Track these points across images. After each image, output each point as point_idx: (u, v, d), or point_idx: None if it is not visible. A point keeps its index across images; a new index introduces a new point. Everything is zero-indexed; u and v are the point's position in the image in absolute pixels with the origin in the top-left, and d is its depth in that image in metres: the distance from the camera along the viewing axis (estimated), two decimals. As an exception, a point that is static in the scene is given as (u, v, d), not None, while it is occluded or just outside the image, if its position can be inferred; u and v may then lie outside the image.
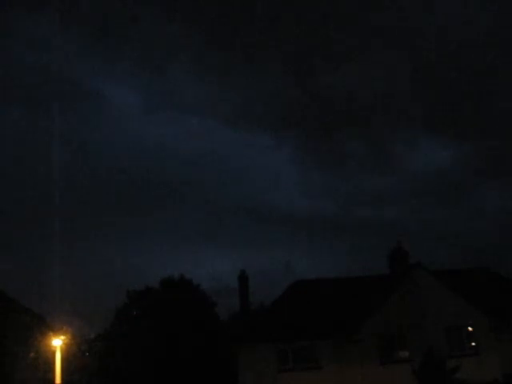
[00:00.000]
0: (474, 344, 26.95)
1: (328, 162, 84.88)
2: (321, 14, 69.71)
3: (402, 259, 29.95)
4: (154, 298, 37.53)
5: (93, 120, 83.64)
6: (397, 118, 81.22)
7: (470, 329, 27.20)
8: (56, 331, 28.97)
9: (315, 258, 61.75)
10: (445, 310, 26.60)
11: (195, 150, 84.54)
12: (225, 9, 71.99)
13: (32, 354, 29.26)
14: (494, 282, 30.83)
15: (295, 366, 26.27)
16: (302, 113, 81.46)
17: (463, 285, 28.16)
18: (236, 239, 71.12)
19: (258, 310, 34.91)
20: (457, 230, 68.58)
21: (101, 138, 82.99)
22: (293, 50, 76.71)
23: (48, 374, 29.09)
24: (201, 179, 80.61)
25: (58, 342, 27.95)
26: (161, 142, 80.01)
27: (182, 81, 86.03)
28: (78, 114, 79.72)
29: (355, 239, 70.70)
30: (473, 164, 77.43)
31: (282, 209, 76.62)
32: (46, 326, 30.03)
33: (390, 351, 26.54)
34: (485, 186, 77.65)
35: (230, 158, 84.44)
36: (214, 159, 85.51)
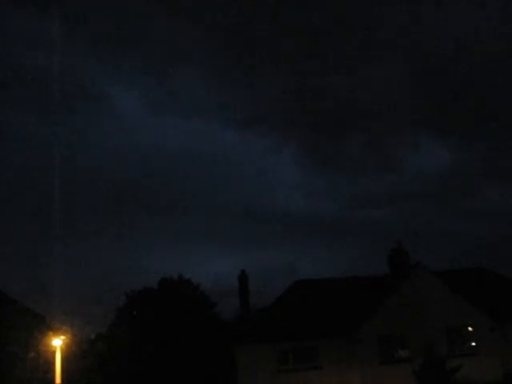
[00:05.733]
0: (474, 344, 26.98)
1: (329, 163, 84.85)
2: (321, 15, 69.75)
3: (402, 259, 29.99)
4: (154, 298, 37.51)
5: (94, 121, 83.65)
6: (397, 119, 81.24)
7: (470, 329, 27.22)
8: (56, 331, 28.92)
9: (315, 258, 61.70)
10: (445, 310, 26.62)
11: (196, 150, 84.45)
12: (225, 9, 72.03)
13: (32, 354, 29.23)
14: (493, 282, 30.85)
15: (295, 366, 26.29)
16: (303, 114, 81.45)
17: (463, 285, 28.18)
18: (236, 239, 71.06)
19: (258, 310, 34.85)
20: (457, 230, 68.53)
21: (102, 139, 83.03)
22: (294, 52, 76.71)
23: (48, 374, 29.04)
24: (201, 179, 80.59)
25: (58, 342, 27.90)
26: (161, 142, 79.88)
27: (183, 82, 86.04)
28: (79, 115, 79.71)
29: (355, 239, 70.64)
30: (473, 164, 77.46)
31: (283, 209, 76.55)
32: (46, 326, 29.98)
33: (390, 351, 26.57)
34: (485, 187, 77.64)
35: (230, 159, 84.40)
36: (215, 160, 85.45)
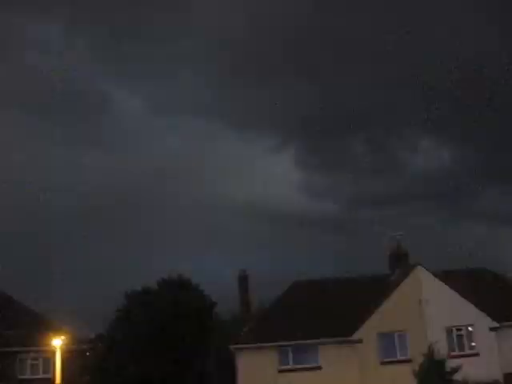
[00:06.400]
0: (473, 344, 26.94)
1: (329, 163, 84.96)
2: (322, 15, 69.80)
3: (402, 259, 29.97)
4: (153, 298, 37.46)
5: (95, 121, 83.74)
6: (397, 119, 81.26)
7: (470, 329, 27.19)
8: (56, 331, 28.94)
9: (315, 258, 61.68)
10: (445, 309, 26.59)
11: (197, 150, 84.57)
12: (225, 9, 72.06)
13: (32, 354, 29.24)
14: (493, 282, 30.81)
15: (295, 366, 26.29)
16: (304, 114, 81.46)
17: (463, 285, 28.15)
18: (236, 239, 71.09)
19: (257, 310, 34.85)
20: (457, 230, 68.58)
21: (102, 139, 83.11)
22: (294, 52, 76.76)
23: (48, 374, 29.08)
24: (202, 179, 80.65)
25: (57, 342, 27.93)
26: (161, 142, 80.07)
27: (183, 82, 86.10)
28: (80, 115, 79.78)
29: (355, 239, 70.72)
30: (473, 164, 77.49)
31: (283, 209, 76.63)
32: (46, 326, 29.99)
33: (390, 351, 26.55)
34: (485, 186, 77.66)
35: (231, 159, 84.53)
36: (216, 160, 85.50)
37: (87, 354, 36.53)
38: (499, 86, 71.90)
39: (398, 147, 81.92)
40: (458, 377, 21.83)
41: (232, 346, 27.72)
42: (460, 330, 27.04)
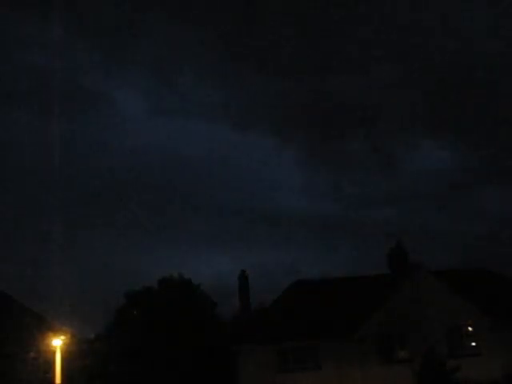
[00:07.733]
0: (474, 344, 26.95)
1: (329, 163, 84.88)
2: (322, 18, 69.79)
3: (402, 259, 30.00)
4: (154, 298, 37.50)
5: (96, 122, 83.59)
6: (397, 119, 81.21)
7: (470, 329, 27.21)
8: (56, 331, 28.93)
9: (315, 258, 61.74)
10: (445, 310, 26.61)
11: (197, 151, 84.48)
12: (225, 9, 72.05)
13: (32, 354, 29.23)
14: (493, 282, 30.82)
15: (295, 366, 26.31)
16: (304, 114, 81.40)
17: (463, 285, 28.17)
18: (236, 239, 71.04)
19: (258, 310, 34.87)
20: (457, 230, 68.51)
21: (102, 140, 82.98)
22: (294, 52, 76.73)
23: (48, 374, 29.06)
24: (202, 179, 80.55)
25: (57, 342, 27.91)
26: (163, 143, 79.90)
27: (183, 82, 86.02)
28: (81, 116, 79.72)
29: (356, 239, 70.64)
30: (472, 165, 77.44)
31: (283, 209, 76.43)
32: (46, 326, 29.98)
33: (390, 351, 26.57)
34: (484, 187, 77.59)
35: (231, 159, 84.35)
36: (216, 160, 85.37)
37: (87, 354, 36.57)
38: (499, 85, 71.96)
39: (398, 147, 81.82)
40: (457, 377, 21.89)
41: (232, 346, 27.72)
42: (460, 329, 27.07)
